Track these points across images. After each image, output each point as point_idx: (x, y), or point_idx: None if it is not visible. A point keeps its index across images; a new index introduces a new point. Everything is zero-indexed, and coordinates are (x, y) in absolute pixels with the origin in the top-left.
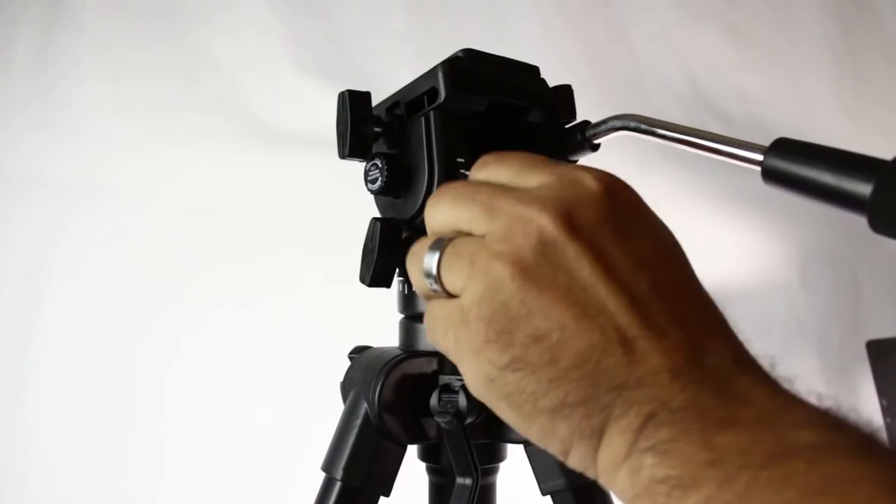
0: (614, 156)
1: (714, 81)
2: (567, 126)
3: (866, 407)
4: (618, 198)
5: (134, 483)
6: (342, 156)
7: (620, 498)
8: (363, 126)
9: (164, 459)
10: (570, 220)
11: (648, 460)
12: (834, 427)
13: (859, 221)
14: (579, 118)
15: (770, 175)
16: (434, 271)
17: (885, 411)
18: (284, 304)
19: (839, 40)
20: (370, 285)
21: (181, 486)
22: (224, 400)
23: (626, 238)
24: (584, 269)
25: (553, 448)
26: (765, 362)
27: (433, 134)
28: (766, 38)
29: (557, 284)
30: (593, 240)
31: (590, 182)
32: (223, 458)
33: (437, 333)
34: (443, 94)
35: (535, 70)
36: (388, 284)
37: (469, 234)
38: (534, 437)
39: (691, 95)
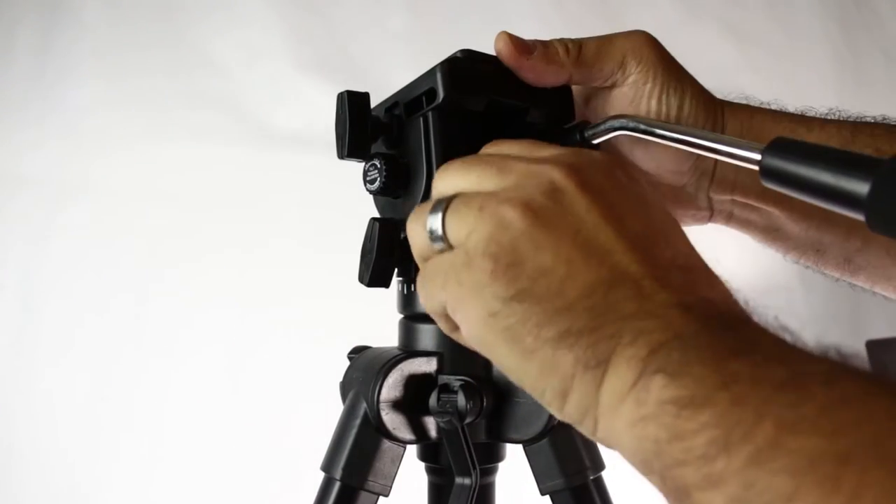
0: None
1: (714, 81)
2: (565, 126)
3: None
4: (624, 171)
5: (133, 483)
6: (341, 156)
7: (621, 436)
8: (362, 127)
9: (163, 459)
10: (580, 175)
11: (658, 382)
12: (842, 360)
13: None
14: (578, 117)
15: (768, 174)
16: (439, 224)
17: None
18: (284, 304)
19: (839, 40)
20: (369, 285)
21: (181, 486)
22: (223, 400)
23: (632, 200)
24: (592, 215)
25: (552, 387)
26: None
27: (431, 134)
28: (766, 38)
29: (566, 225)
30: (602, 194)
31: (597, 154)
32: (223, 458)
33: (433, 287)
34: (441, 94)
35: None
36: (386, 284)
37: (478, 192)
38: (531, 376)
39: None
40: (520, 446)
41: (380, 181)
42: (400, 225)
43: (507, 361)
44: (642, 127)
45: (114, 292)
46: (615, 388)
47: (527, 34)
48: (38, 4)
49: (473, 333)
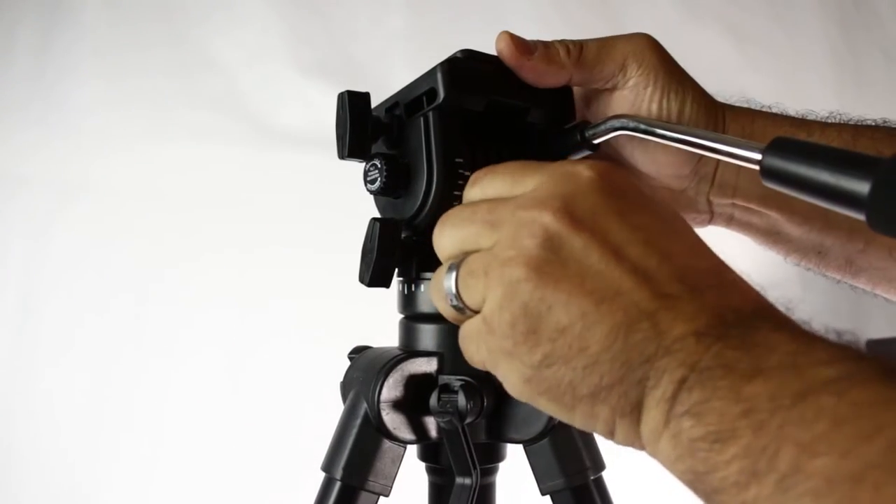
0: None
1: (714, 81)
2: (566, 126)
3: None
4: (612, 181)
5: (133, 483)
6: (341, 156)
7: (666, 465)
8: (362, 127)
9: (162, 459)
10: (570, 212)
11: (686, 423)
12: (856, 358)
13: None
14: (579, 118)
15: (769, 174)
16: (454, 293)
17: None
18: (283, 304)
19: (839, 40)
20: (369, 285)
21: (181, 486)
22: (223, 399)
23: (627, 216)
24: (592, 256)
25: (599, 430)
26: (781, 307)
27: (432, 134)
28: (766, 38)
29: (571, 275)
30: (596, 226)
31: (582, 172)
32: (222, 458)
33: (471, 349)
34: (441, 94)
35: None
36: (387, 285)
37: (478, 251)
38: (578, 424)
39: None
40: (520, 446)
41: (380, 181)
42: (401, 225)
43: (553, 412)
44: (643, 127)
45: (114, 292)
46: (651, 428)
47: (527, 34)
48: (38, 5)
49: (515, 392)
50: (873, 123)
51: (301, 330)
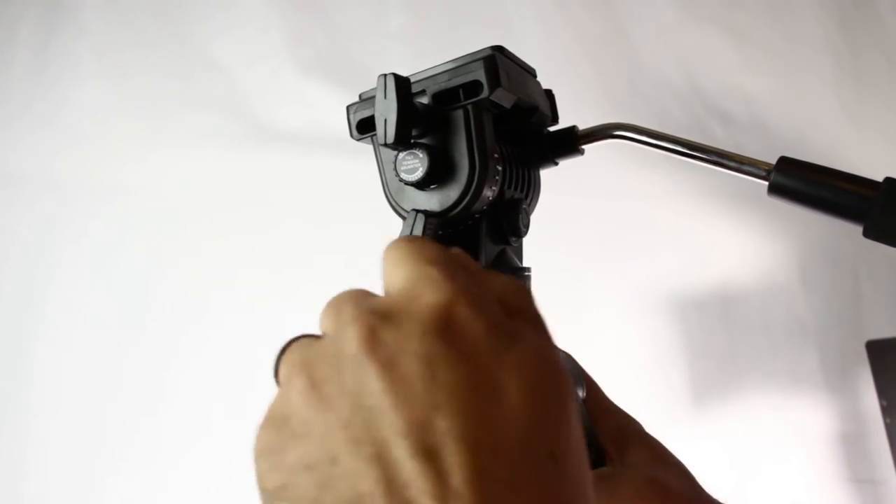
0: (616, 156)
1: (714, 81)
2: (558, 129)
3: (866, 407)
4: (454, 323)
5: (133, 482)
6: (385, 142)
7: None
8: (409, 113)
9: (163, 459)
10: (375, 336)
11: None
12: None
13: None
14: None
15: (776, 190)
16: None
17: (885, 411)
18: (283, 304)
19: (839, 40)
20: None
21: (181, 486)
22: (223, 400)
23: (443, 367)
24: (372, 396)
25: None
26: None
27: (476, 128)
28: (766, 38)
29: (341, 408)
30: (395, 362)
31: (429, 298)
32: (223, 458)
33: None
34: (486, 88)
35: (534, 73)
36: None
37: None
38: None
39: (691, 95)
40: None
41: (422, 171)
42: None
43: None
44: (638, 137)
45: (114, 292)
46: None
47: (527, 34)
48: (38, 4)
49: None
50: None
51: (301, 330)
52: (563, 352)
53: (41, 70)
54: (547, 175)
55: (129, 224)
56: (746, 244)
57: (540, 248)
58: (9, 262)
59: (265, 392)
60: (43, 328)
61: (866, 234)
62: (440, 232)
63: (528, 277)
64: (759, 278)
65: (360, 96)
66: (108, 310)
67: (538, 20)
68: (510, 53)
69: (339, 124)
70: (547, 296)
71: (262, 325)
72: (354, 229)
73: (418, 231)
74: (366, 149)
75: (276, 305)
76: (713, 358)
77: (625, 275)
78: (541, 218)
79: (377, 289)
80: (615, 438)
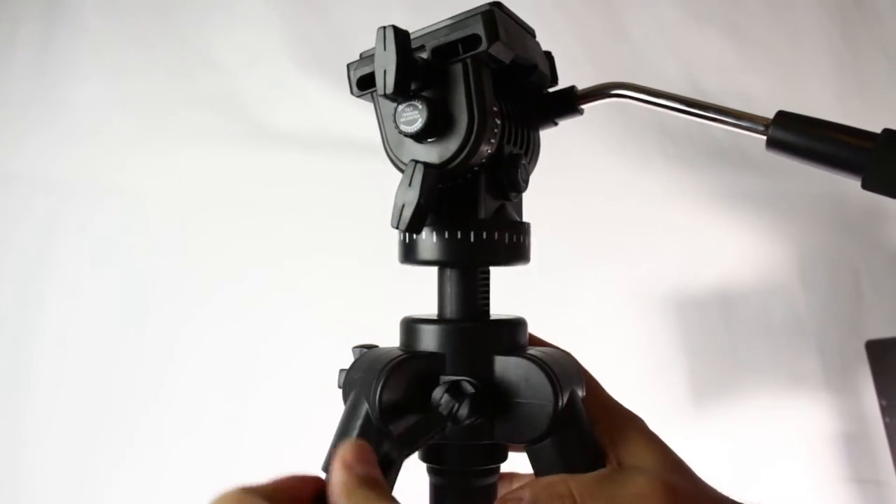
0: (616, 157)
1: (714, 81)
2: (557, 90)
3: (866, 407)
4: None
5: (133, 482)
6: (384, 93)
7: None
8: (408, 63)
9: (162, 459)
10: None
11: None
12: None
13: (860, 221)
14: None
15: (774, 144)
16: None
17: (885, 411)
18: (283, 304)
19: (839, 40)
20: (407, 230)
21: (180, 486)
22: (224, 400)
23: None
24: None
25: None
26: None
27: (476, 81)
28: (766, 38)
29: None
30: None
31: None
32: (223, 458)
33: None
34: (485, 42)
35: (534, 33)
36: (420, 230)
37: None
38: None
39: (691, 95)
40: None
41: (420, 123)
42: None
43: None
44: (637, 96)
45: (114, 292)
46: None
47: None
48: (38, 4)
49: None
50: None
51: (301, 330)
52: (563, 351)
53: (41, 70)
54: (547, 175)
55: (128, 224)
56: (746, 244)
57: (540, 248)
58: (8, 261)
59: (265, 392)
60: (42, 328)
61: (864, 185)
62: (439, 185)
63: (528, 231)
64: (759, 278)
65: (360, 55)
66: (107, 309)
67: (538, 20)
68: (509, 11)
69: (340, 124)
70: (547, 295)
71: (262, 325)
72: (354, 229)
73: (417, 180)
74: (366, 149)
75: (275, 303)
76: (713, 358)
77: (624, 274)
78: (541, 218)
79: (377, 289)
80: (616, 436)
